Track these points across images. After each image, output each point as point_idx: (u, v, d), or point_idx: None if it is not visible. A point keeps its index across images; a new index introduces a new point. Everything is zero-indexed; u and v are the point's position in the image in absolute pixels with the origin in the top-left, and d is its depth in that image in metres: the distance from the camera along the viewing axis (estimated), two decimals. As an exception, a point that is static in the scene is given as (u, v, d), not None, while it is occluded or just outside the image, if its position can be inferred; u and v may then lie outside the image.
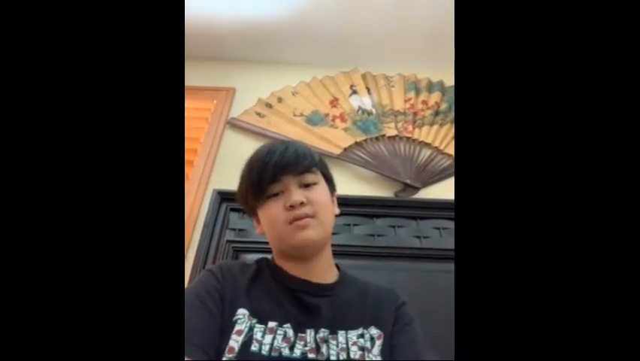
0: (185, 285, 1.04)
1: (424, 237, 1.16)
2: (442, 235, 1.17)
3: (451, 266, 1.05)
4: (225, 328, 0.54)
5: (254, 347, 0.52)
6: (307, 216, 0.62)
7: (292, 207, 0.62)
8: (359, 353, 0.54)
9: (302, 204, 0.62)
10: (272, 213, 0.65)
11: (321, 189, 0.68)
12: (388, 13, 1.49)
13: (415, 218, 1.21)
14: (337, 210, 0.71)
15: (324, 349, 0.54)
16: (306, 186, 0.66)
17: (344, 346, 0.55)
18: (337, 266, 0.70)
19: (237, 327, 0.53)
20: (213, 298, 0.57)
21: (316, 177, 0.68)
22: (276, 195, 0.65)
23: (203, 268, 1.08)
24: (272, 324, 0.55)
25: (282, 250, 0.67)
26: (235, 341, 0.52)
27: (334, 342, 0.55)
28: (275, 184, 0.65)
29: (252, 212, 0.70)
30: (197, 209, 1.26)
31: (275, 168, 0.65)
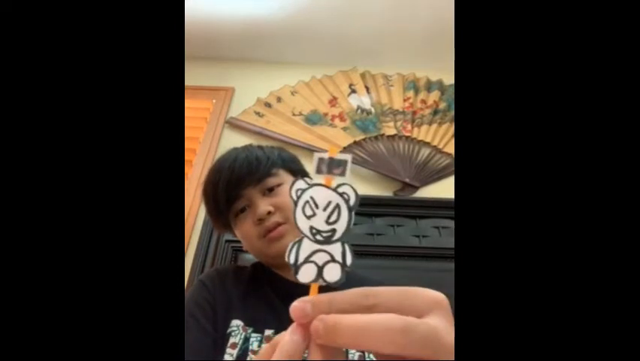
0: (185, 285, 1.04)
1: (424, 236, 1.17)
2: (441, 234, 1.17)
3: (450, 265, 1.06)
4: (219, 341, 0.52)
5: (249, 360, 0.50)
6: (278, 224, 0.58)
7: (260, 220, 0.59)
8: (358, 353, 0.52)
9: (269, 213, 0.59)
10: (244, 231, 0.62)
11: (289, 188, 0.63)
12: (387, 12, 1.49)
13: (414, 217, 1.21)
14: None
15: None
16: (271, 190, 0.61)
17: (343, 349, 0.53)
18: None
19: (232, 340, 0.52)
20: (205, 312, 0.55)
21: (279, 177, 0.63)
22: (243, 210, 0.62)
23: (203, 267, 1.08)
24: (268, 332, 0.53)
25: (267, 262, 0.65)
26: (230, 355, 0.50)
27: None
28: (237, 201, 0.61)
29: (232, 233, 0.67)
30: (196, 209, 1.26)
31: (228, 187, 0.60)
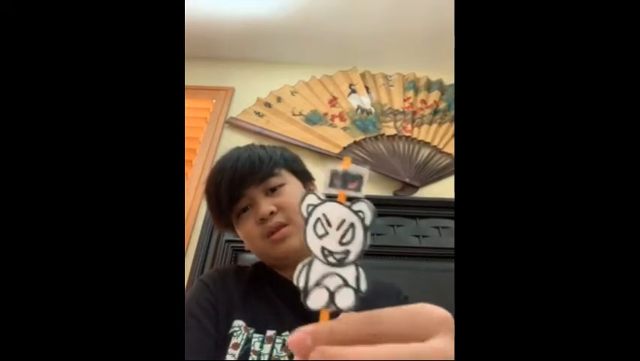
0: (185, 285, 1.04)
1: (423, 236, 1.17)
2: (441, 234, 1.17)
3: (450, 265, 1.06)
4: (221, 341, 0.52)
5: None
6: (281, 225, 0.58)
7: (263, 220, 0.59)
8: None
9: (272, 213, 0.59)
10: (246, 231, 0.62)
11: (292, 188, 0.62)
12: (387, 12, 1.49)
13: (414, 217, 1.21)
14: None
15: None
16: (273, 190, 0.61)
17: None
18: None
19: (233, 340, 0.52)
20: (207, 312, 0.55)
21: (281, 178, 0.62)
22: (245, 209, 0.62)
23: (203, 267, 1.08)
24: (270, 333, 0.53)
25: (269, 263, 0.65)
26: (232, 356, 0.50)
27: None
28: (239, 201, 0.61)
29: (234, 232, 0.67)
30: (196, 208, 1.26)
31: (230, 187, 0.60)
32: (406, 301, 0.63)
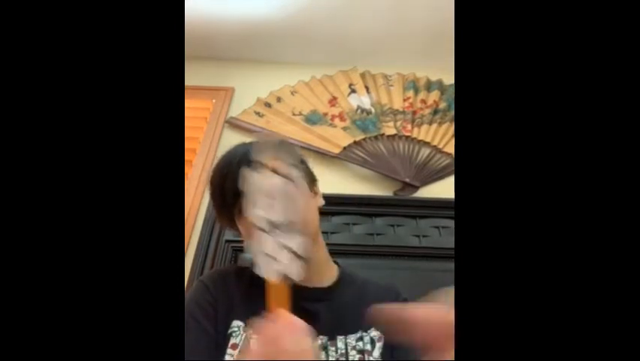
0: (185, 285, 1.04)
1: (424, 236, 1.16)
2: (441, 234, 1.17)
3: (450, 265, 1.06)
4: (220, 341, 0.52)
5: None
6: None
7: None
8: (358, 356, 0.53)
9: None
10: (248, 227, 0.61)
11: None
12: (387, 12, 1.49)
13: (414, 217, 1.21)
14: (321, 202, 0.64)
15: (322, 357, 0.51)
16: None
17: (342, 351, 0.53)
18: (337, 263, 0.67)
19: (232, 340, 0.52)
20: (207, 313, 0.55)
21: None
22: None
23: (203, 267, 1.08)
24: None
25: None
26: (230, 356, 0.50)
27: (333, 348, 0.53)
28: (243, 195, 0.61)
29: (235, 229, 0.67)
30: (196, 208, 1.26)
31: (236, 181, 0.58)
32: (404, 303, 0.63)
